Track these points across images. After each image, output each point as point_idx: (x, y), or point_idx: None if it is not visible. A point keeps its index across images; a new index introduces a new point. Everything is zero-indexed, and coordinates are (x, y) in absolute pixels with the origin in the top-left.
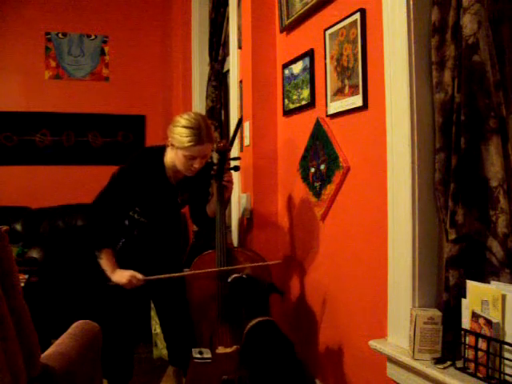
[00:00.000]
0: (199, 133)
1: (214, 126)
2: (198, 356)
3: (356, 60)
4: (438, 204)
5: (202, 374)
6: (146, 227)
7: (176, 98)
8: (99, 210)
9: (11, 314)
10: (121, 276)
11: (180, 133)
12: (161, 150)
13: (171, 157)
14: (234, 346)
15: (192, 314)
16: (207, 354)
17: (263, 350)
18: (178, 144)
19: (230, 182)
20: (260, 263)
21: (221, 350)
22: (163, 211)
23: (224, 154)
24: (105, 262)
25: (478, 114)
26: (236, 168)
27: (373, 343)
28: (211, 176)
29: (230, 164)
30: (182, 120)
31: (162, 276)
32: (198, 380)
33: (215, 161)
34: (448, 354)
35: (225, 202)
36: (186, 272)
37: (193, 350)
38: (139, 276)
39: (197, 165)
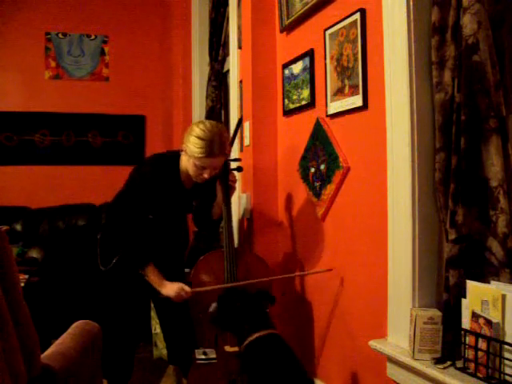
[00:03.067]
0: (211, 145)
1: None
2: (203, 357)
3: (356, 60)
4: (438, 204)
5: (206, 374)
6: (155, 230)
7: (176, 97)
8: (127, 228)
9: (11, 314)
10: (170, 289)
11: (193, 142)
12: (176, 156)
13: (185, 163)
14: None
15: (197, 314)
16: (212, 354)
17: (265, 364)
18: (189, 153)
19: (235, 181)
20: (311, 271)
21: (228, 348)
22: (175, 215)
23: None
24: (152, 278)
25: (477, 114)
26: (239, 169)
27: (373, 343)
28: (216, 178)
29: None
30: (197, 130)
31: (209, 288)
32: (203, 381)
33: None
34: (448, 354)
35: (230, 201)
36: (240, 282)
37: (196, 351)
38: (187, 289)
39: (206, 175)
